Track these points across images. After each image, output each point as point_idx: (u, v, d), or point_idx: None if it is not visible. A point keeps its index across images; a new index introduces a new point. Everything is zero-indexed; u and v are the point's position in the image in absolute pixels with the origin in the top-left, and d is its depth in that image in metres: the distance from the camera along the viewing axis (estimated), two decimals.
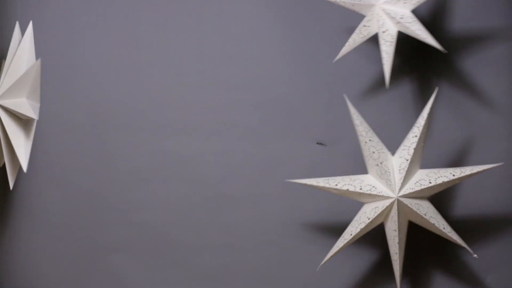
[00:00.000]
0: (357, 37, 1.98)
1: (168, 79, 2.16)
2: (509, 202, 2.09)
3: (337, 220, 2.11)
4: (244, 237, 2.16)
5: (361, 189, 1.92)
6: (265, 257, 2.16)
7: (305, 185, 1.96)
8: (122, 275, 2.22)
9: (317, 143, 2.11)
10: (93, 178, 2.21)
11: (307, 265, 2.08)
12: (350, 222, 1.97)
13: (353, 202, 2.02)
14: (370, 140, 1.92)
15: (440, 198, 2.09)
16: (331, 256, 1.97)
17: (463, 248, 1.98)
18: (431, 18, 2.08)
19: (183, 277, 2.19)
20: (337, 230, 2.07)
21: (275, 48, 2.11)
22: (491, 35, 2.07)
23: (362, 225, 1.92)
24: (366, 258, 2.09)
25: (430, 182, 1.90)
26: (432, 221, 1.92)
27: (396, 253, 1.95)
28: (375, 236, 2.05)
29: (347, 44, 1.99)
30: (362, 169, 1.99)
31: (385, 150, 1.93)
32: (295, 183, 2.00)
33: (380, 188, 1.92)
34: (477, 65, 2.07)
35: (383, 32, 1.93)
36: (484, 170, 1.92)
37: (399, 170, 1.92)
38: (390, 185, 1.91)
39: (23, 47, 1.95)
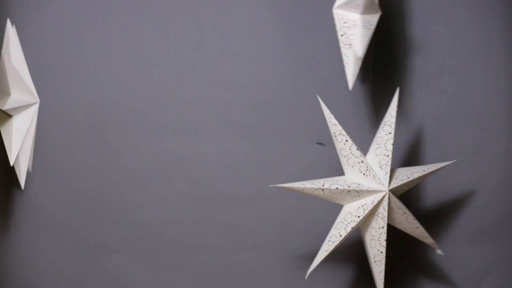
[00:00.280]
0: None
1: (168, 79, 2.16)
2: (509, 202, 2.09)
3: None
4: (244, 237, 2.17)
5: (349, 186, 1.92)
6: (265, 257, 2.16)
7: (292, 188, 1.93)
8: (122, 275, 2.22)
9: (317, 143, 2.11)
10: (93, 178, 2.21)
11: (307, 265, 2.08)
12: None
13: None
14: (347, 141, 1.91)
15: (440, 198, 2.09)
16: (321, 261, 1.94)
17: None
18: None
19: (183, 277, 2.20)
20: None
21: (275, 48, 2.11)
22: (490, 35, 2.07)
23: (353, 224, 1.90)
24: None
25: (408, 177, 1.92)
26: (409, 217, 1.93)
27: (382, 252, 1.93)
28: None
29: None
30: None
31: (358, 148, 1.93)
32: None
33: (368, 184, 1.91)
34: (476, 65, 2.08)
35: (341, 35, 1.92)
36: (441, 168, 1.95)
37: (380, 166, 1.92)
38: (378, 180, 1.90)
39: None
